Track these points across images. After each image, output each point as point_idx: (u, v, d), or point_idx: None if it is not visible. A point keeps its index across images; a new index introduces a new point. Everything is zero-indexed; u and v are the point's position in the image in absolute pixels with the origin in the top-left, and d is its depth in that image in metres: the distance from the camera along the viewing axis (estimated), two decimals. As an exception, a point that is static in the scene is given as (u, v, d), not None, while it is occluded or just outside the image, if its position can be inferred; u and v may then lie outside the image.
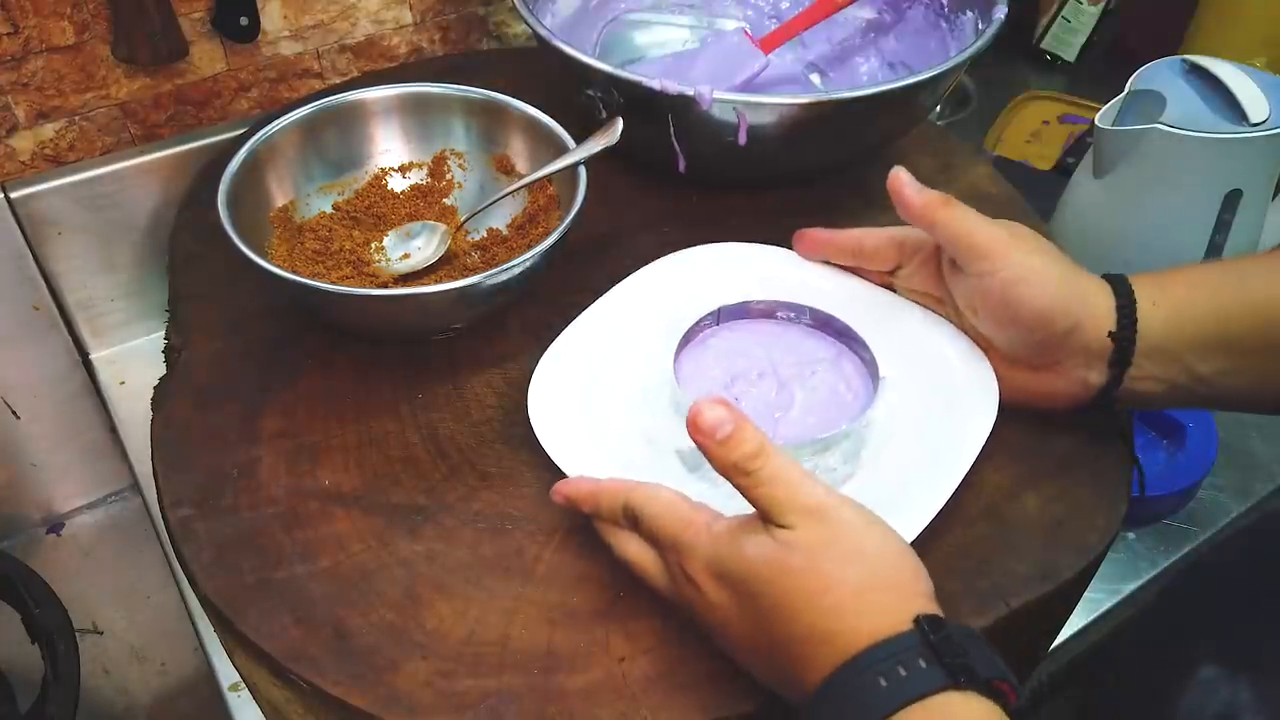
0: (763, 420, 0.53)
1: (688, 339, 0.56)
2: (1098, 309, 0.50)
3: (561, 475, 0.51)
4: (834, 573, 0.40)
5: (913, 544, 0.45)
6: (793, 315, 0.58)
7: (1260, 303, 0.49)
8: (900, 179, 0.53)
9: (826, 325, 0.57)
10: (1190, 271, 0.52)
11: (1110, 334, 0.50)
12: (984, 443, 0.52)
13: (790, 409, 0.54)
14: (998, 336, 0.53)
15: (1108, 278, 0.52)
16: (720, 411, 0.42)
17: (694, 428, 0.42)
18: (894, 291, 0.59)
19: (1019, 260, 0.51)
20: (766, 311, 0.58)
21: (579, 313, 0.59)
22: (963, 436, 0.52)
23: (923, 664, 0.38)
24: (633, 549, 0.47)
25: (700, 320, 0.57)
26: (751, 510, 0.43)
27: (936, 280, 0.57)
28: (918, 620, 0.39)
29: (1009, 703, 0.38)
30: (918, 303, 0.58)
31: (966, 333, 0.56)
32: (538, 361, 0.56)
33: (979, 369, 0.55)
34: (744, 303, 0.58)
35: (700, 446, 0.42)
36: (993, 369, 0.54)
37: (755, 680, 0.45)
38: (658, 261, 0.61)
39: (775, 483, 0.42)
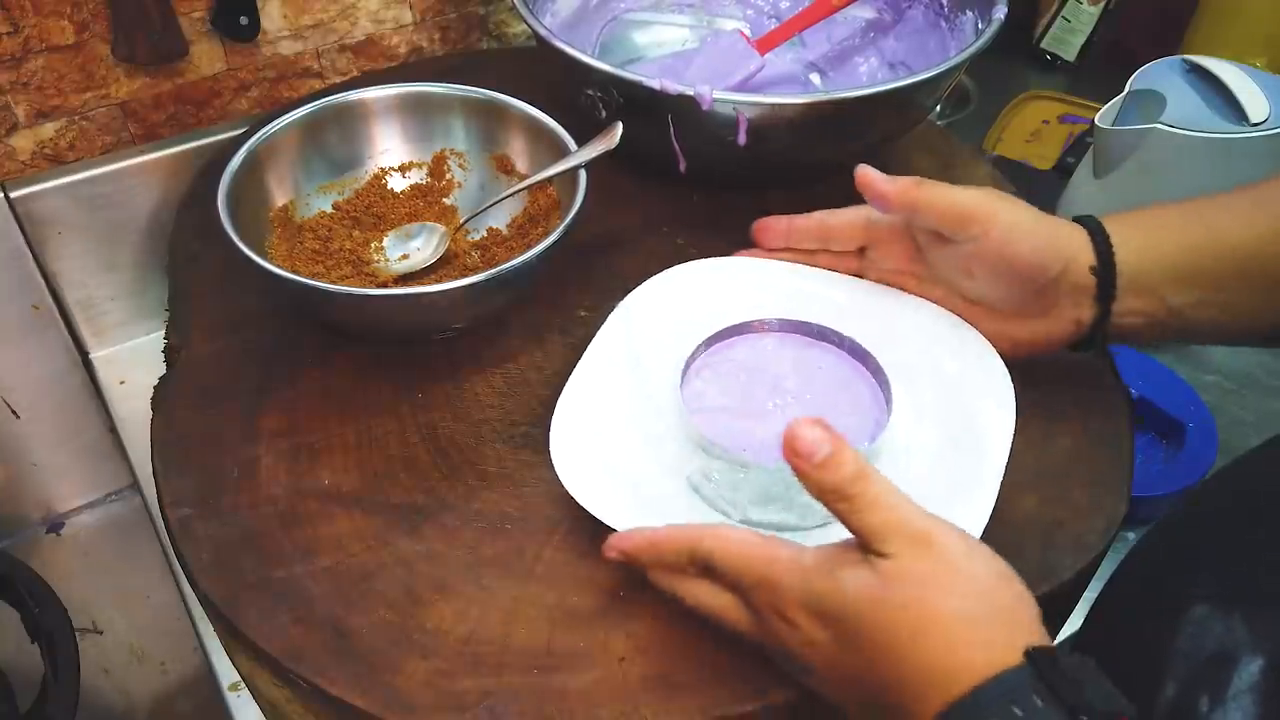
0: (772, 444, 0.51)
1: (695, 358, 0.55)
2: (1078, 248, 0.52)
3: (579, 507, 0.49)
4: (941, 605, 0.38)
5: None
6: (804, 334, 0.57)
7: (1224, 238, 0.51)
8: (868, 175, 0.54)
9: (840, 345, 0.56)
10: (1155, 212, 0.54)
11: (1091, 268, 0.52)
12: (1005, 463, 0.50)
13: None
14: (994, 294, 0.55)
15: (1077, 219, 0.54)
16: (817, 432, 0.40)
17: (790, 450, 0.40)
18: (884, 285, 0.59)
19: (1006, 217, 0.52)
20: (775, 330, 0.57)
21: (579, 313, 0.58)
22: (981, 457, 0.51)
23: (1038, 702, 0.36)
24: (706, 595, 0.44)
25: (707, 340, 0.55)
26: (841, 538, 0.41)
27: (910, 257, 0.57)
28: (1029, 653, 0.37)
29: None
30: (890, 284, 0.58)
31: (954, 302, 0.56)
32: (539, 361, 0.55)
33: (996, 382, 0.54)
34: (752, 321, 0.56)
35: (796, 470, 0.40)
36: (1004, 367, 0.54)
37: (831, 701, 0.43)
38: (668, 273, 0.60)
39: (876, 508, 0.40)
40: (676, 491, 0.51)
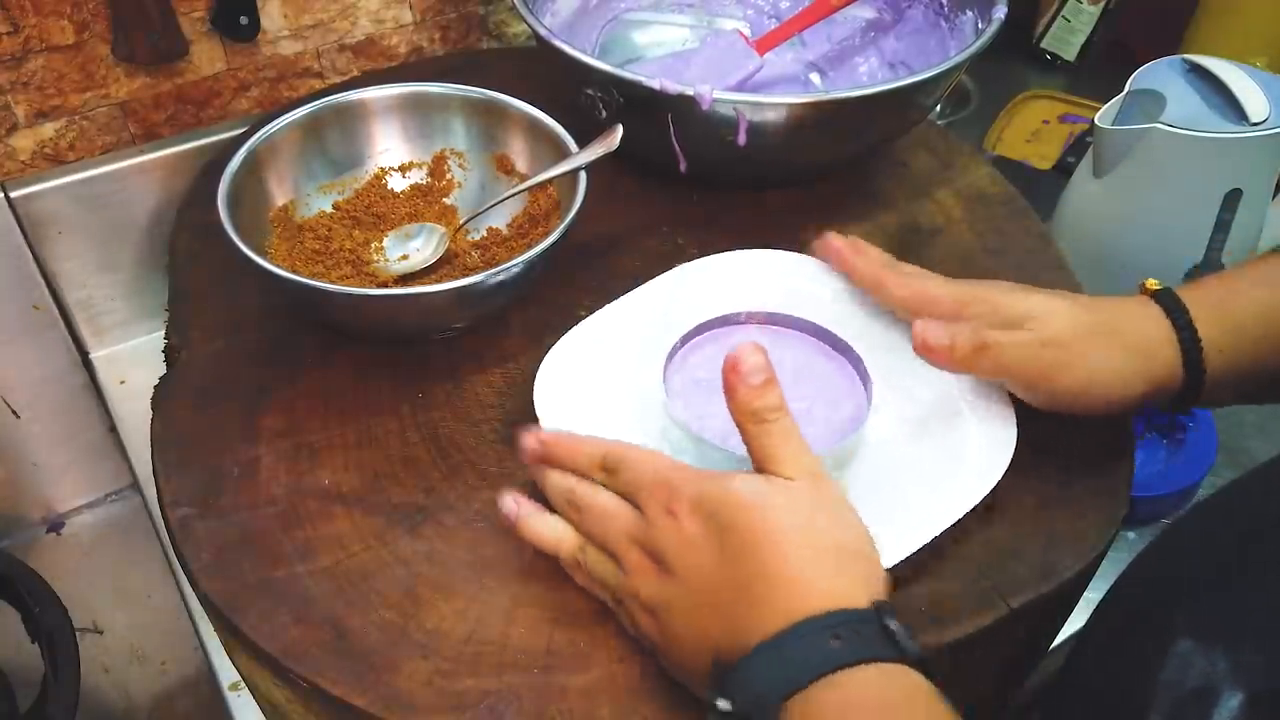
0: (726, 426, 0.52)
1: (681, 345, 0.55)
2: (1163, 372, 0.51)
3: None
4: (818, 523, 0.42)
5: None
6: (789, 328, 0.57)
7: None
8: (927, 335, 0.51)
9: (825, 340, 0.56)
10: (1264, 301, 0.52)
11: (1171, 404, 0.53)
12: (982, 497, 0.51)
13: None
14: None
15: (1170, 311, 0.52)
16: (761, 360, 0.44)
17: (730, 367, 0.43)
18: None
19: (1073, 377, 0.51)
20: (764, 322, 0.57)
21: (579, 313, 0.59)
22: (958, 487, 0.51)
23: (877, 638, 0.39)
24: (601, 495, 0.47)
25: (694, 329, 0.56)
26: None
27: None
28: (877, 604, 0.40)
29: None
30: None
31: None
32: (539, 361, 0.55)
33: (994, 410, 0.54)
34: (739, 313, 0.57)
35: (728, 385, 0.44)
36: (1012, 413, 0.54)
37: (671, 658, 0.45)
38: (669, 273, 0.60)
39: (787, 437, 0.43)
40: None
